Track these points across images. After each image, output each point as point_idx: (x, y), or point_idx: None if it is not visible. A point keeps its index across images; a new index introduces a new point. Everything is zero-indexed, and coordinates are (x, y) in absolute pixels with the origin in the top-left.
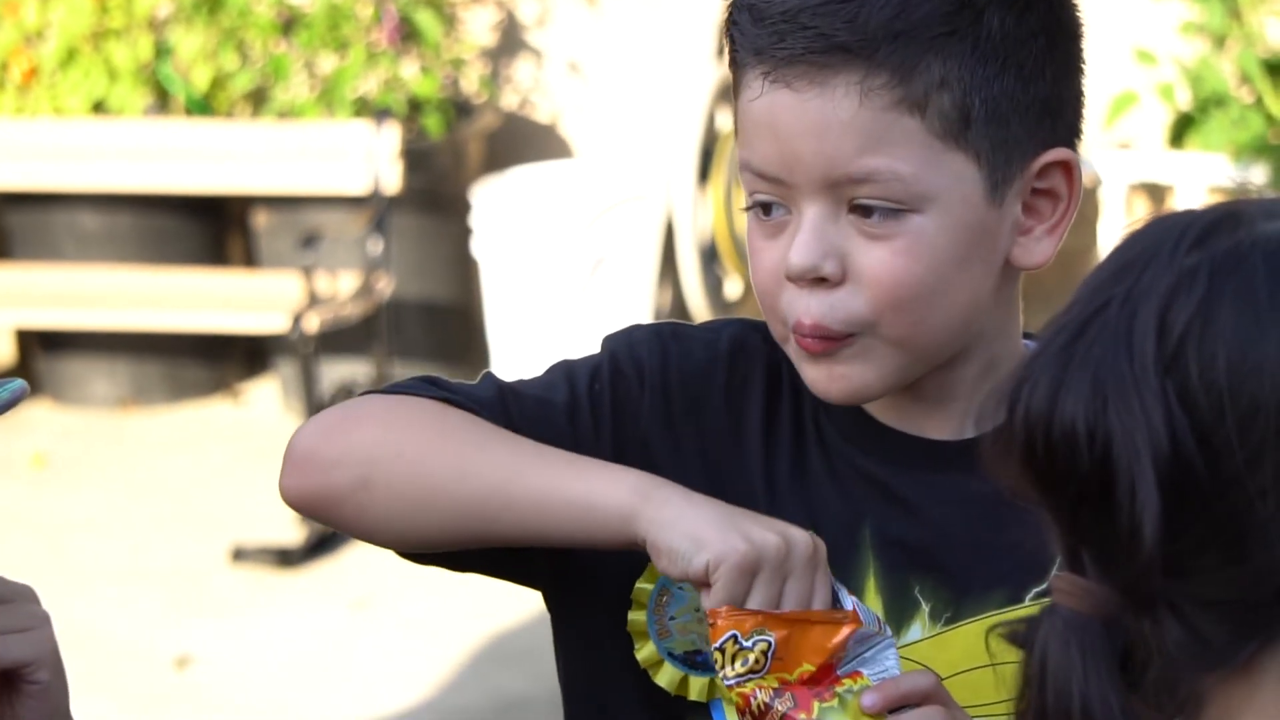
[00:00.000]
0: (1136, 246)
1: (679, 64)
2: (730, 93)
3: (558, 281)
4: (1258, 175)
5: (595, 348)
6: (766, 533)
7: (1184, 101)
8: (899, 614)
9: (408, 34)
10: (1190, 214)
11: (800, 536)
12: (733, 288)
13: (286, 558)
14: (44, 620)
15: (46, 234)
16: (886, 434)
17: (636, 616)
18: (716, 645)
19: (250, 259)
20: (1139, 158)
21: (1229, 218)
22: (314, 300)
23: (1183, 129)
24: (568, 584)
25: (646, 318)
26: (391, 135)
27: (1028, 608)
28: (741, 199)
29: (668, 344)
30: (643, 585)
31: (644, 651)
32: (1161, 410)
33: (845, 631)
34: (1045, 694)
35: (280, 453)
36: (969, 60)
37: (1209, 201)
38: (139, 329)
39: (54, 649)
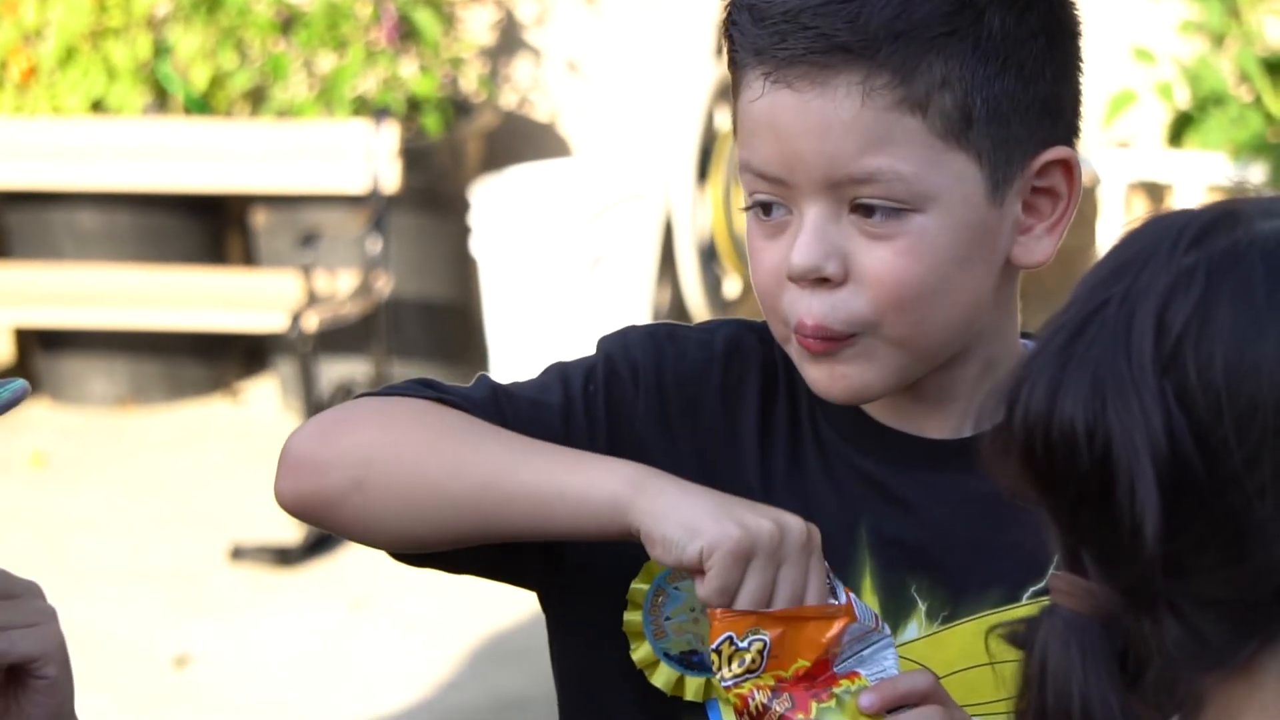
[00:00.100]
0: (1134, 245)
1: (678, 63)
2: (729, 92)
3: (556, 280)
4: (1256, 174)
5: (593, 347)
6: (760, 519)
7: (1183, 100)
8: (895, 613)
9: (406, 33)
10: (1188, 213)
11: (795, 523)
12: (731, 287)
13: (286, 557)
14: (51, 616)
15: (45, 233)
16: (884, 433)
17: (632, 617)
18: (713, 647)
19: (249, 258)
20: (1138, 156)
21: (1227, 217)
22: (313, 299)
23: (1181, 128)
24: (563, 584)
25: (645, 317)
26: (390, 134)
27: (1025, 607)
28: (740, 198)
29: (662, 345)
30: (638, 586)
31: (640, 652)
32: (1160, 410)
33: (839, 625)
34: (1045, 694)
35: (279, 452)
36: (970, 60)
37: (1207, 200)
38: (138, 328)
39: (61, 644)
